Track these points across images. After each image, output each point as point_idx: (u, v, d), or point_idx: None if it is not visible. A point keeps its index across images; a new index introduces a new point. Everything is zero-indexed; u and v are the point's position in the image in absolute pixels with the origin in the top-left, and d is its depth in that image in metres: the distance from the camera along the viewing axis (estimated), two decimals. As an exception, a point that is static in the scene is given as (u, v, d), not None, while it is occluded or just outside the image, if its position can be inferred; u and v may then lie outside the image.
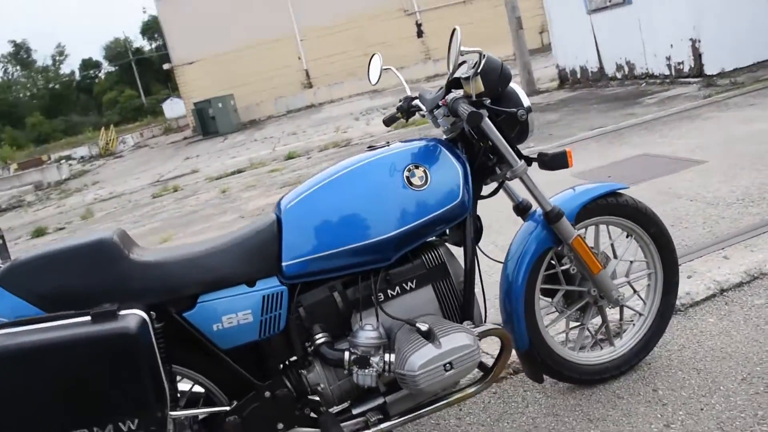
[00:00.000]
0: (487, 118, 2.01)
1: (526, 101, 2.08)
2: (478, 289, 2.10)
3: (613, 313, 2.44)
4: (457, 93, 2.05)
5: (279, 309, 1.86)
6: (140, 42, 73.52)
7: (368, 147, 2.06)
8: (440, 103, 2.06)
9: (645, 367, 2.38)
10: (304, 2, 28.26)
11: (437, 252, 2.02)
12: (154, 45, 67.33)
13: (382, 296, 1.96)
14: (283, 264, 1.86)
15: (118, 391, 1.54)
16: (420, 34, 29.05)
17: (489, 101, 1.99)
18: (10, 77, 77.88)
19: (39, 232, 9.98)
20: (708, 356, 2.36)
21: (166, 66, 30.89)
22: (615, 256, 2.35)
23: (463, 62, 2.08)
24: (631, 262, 2.39)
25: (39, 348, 1.51)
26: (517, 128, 2.09)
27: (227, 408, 1.88)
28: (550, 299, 2.31)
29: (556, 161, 2.07)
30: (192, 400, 1.99)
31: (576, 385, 2.35)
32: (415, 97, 2.28)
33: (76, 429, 1.52)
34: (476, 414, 2.36)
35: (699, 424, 2.02)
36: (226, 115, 26.57)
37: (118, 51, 71.25)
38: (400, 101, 2.34)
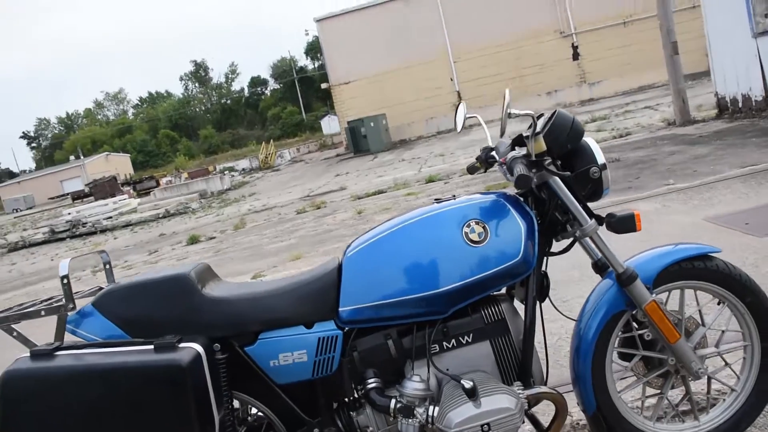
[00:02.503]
0: (556, 177, 1.97)
1: (600, 158, 2.01)
2: (542, 348, 2.05)
3: (700, 384, 2.26)
4: (518, 151, 2.02)
5: (333, 351, 1.94)
6: (304, 61, 78.15)
7: (435, 199, 2.09)
8: (500, 160, 2.04)
9: (734, 448, 2.17)
10: (459, 24, 28.58)
11: (499, 307, 2.00)
12: (316, 64, 71.14)
13: (437, 347, 1.97)
14: (340, 309, 1.94)
15: (168, 418, 1.69)
16: (576, 56, 28.26)
17: (549, 161, 1.95)
18: (189, 93, 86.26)
19: (193, 240, 10.92)
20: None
21: (324, 85, 32.52)
22: (703, 324, 2.19)
23: (540, 116, 2.05)
24: (723, 331, 2.20)
25: (107, 369, 1.71)
26: (589, 186, 2.02)
27: (280, 440, 1.99)
28: (627, 363, 2.19)
29: (622, 224, 1.97)
30: (256, 426, 2.12)
31: (650, 457, 2.20)
32: (493, 148, 2.28)
33: None
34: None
35: None
36: (377, 134, 27.41)
37: (283, 69, 76.25)
38: (481, 151, 2.34)
